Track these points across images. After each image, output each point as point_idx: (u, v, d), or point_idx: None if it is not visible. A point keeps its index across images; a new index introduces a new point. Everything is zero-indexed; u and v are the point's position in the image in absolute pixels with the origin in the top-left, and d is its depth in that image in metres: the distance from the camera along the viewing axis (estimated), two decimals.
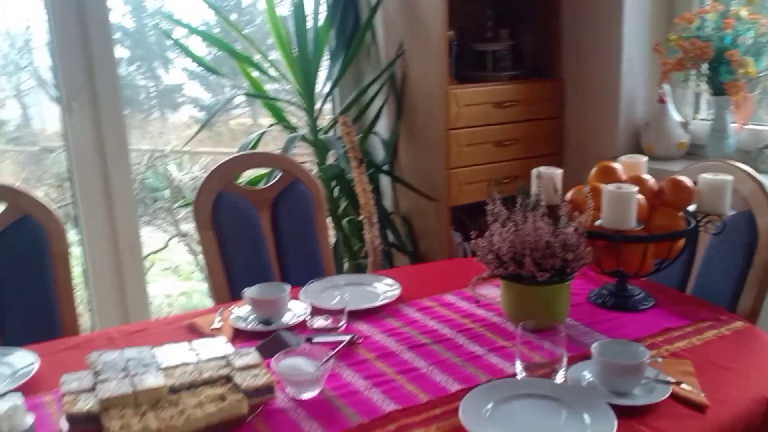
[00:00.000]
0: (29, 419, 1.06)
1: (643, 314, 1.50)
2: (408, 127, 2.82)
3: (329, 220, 2.87)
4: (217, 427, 1.10)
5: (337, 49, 2.98)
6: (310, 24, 2.81)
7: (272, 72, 2.84)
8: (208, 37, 3.01)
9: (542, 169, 1.60)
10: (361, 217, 2.53)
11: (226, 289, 1.84)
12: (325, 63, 2.93)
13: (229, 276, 1.87)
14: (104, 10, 2.44)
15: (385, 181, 2.98)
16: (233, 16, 3.97)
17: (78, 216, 2.51)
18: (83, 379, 1.16)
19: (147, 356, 1.23)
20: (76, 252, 2.49)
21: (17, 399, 1.06)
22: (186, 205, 3.25)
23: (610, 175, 1.57)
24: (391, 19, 2.84)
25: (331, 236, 2.88)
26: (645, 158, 1.65)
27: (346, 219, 2.84)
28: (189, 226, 3.86)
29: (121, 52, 3.62)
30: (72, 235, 2.48)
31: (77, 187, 2.47)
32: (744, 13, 2.30)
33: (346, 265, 2.85)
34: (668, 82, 2.44)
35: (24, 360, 1.34)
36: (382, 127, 2.96)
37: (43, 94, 3.83)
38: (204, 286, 3.72)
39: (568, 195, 1.60)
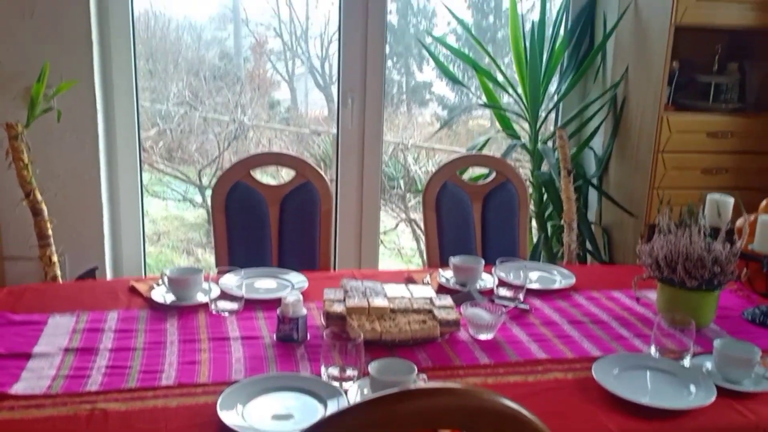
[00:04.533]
0: (304, 310, 1.65)
1: None
2: (621, 146, 3.10)
3: (535, 222, 3.27)
4: (417, 340, 1.60)
5: (567, 68, 3.33)
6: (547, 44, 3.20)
7: (506, 86, 3.29)
8: (456, 52, 3.53)
9: (714, 194, 1.86)
10: (562, 222, 2.89)
11: (438, 257, 2.35)
12: (554, 79, 3.30)
13: (441, 248, 2.37)
14: (384, 14, 3.03)
15: (592, 194, 3.28)
16: (490, 18, 4.41)
17: (336, 191, 3.20)
18: (337, 293, 1.74)
19: (378, 287, 1.78)
20: None
21: (299, 296, 1.66)
22: (417, 191, 3.82)
23: None
24: (621, 46, 3.12)
25: (535, 236, 3.27)
26: None
27: (550, 223, 3.20)
28: (417, 215, 4.46)
29: None
30: None
31: (339, 167, 3.16)
32: None
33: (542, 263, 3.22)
34: None
35: (298, 278, 1.98)
36: (597, 143, 3.26)
37: (310, 80, 4.64)
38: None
39: (738, 222, 1.83)
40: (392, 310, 1.67)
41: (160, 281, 1.84)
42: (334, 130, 3.18)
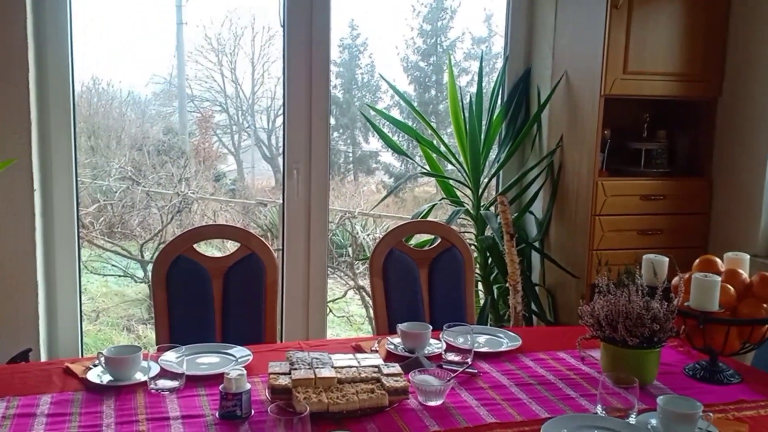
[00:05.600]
0: (247, 385, 1.61)
1: (726, 387, 1.75)
2: (560, 210, 3.19)
3: (481, 285, 3.30)
4: (366, 411, 1.57)
5: (506, 138, 3.46)
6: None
7: (448, 155, 3.38)
8: (398, 124, 3.62)
9: (650, 255, 1.92)
10: (507, 284, 2.92)
11: (386, 324, 2.34)
12: (494, 148, 3.42)
13: (389, 315, 2.36)
14: (327, 86, 3.10)
15: (535, 256, 3.35)
16: (432, 92, 4.57)
17: (282, 261, 3.18)
18: (282, 366, 1.70)
19: (325, 357, 1.75)
20: None
21: (242, 371, 1.62)
22: (364, 259, 3.82)
23: (709, 267, 1.85)
24: (555, 116, 3.27)
25: (482, 299, 3.30)
26: (747, 256, 1.90)
27: (496, 285, 3.24)
28: (366, 282, 4.46)
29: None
30: None
31: (286, 237, 3.15)
32: None
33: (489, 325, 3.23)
34: None
35: (242, 353, 1.93)
36: (538, 208, 3.35)
37: (257, 152, 4.68)
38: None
39: (674, 281, 1.89)
40: (340, 381, 1.64)
41: (97, 361, 1.76)
42: (281, 200, 3.19)
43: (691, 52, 2.92)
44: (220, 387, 1.56)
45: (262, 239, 2.31)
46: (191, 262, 2.23)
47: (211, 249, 3.98)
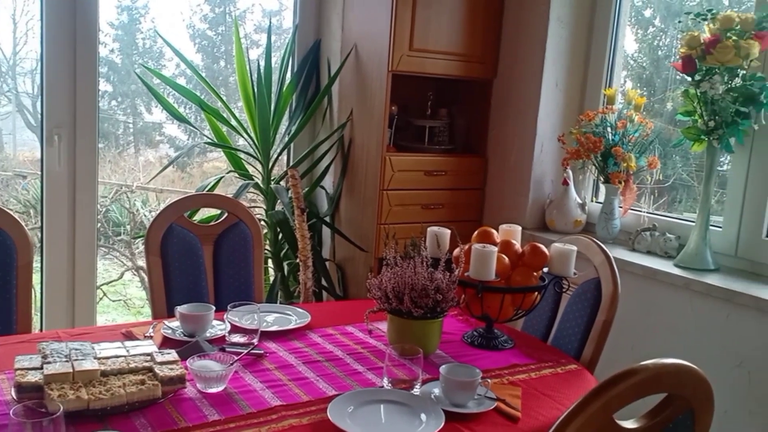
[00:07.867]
0: None
1: (501, 353, 1.84)
2: (350, 185, 3.19)
3: (271, 261, 3.20)
4: (135, 405, 1.40)
5: (296, 110, 3.36)
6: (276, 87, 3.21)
7: (239, 129, 3.21)
8: (181, 90, 3.35)
9: (433, 228, 1.96)
10: (298, 260, 2.86)
11: (165, 307, 2.14)
12: (285, 121, 3.31)
13: (169, 297, 2.17)
14: (94, 45, 2.76)
15: (326, 231, 3.33)
16: (221, 63, 4.31)
17: (42, 240, 2.79)
18: (33, 360, 1.46)
19: (87, 348, 1.53)
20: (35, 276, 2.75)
21: None
22: (142, 236, 3.52)
23: (486, 238, 1.93)
24: (345, 90, 3.24)
25: (272, 276, 3.20)
26: (519, 227, 2.02)
27: (286, 261, 3.16)
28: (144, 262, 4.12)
29: (104, 86, 3.94)
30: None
31: (45, 213, 2.76)
32: (636, 116, 2.73)
33: (279, 302, 3.16)
34: (568, 168, 2.86)
35: None
36: (329, 182, 3.32)
37: (20, 119, 4.10)
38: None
39: (455, 252, 1.95)
40: (104, 374, 1.44)
41: None
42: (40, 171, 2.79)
43: (470, 33, 3.05)
44: None
45: (11, 213, 1.98)
46: None
47: None
